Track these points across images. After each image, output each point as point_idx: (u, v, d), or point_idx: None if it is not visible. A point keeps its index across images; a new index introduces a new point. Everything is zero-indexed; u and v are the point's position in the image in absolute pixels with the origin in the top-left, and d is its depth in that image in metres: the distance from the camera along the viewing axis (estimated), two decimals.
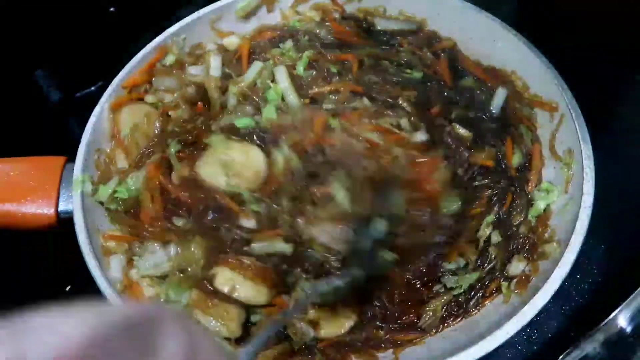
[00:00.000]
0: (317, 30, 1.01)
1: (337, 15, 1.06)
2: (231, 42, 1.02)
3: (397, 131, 0.86)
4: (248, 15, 1.06)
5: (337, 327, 0.77)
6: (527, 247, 0.80)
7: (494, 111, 0.93)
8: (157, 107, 0.96)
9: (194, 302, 0.76)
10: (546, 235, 0.80)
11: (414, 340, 0.77)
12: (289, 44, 0.99)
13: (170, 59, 0.98)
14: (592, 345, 0.66)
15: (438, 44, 1.02)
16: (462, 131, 0.90)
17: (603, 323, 0.67)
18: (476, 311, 0.79)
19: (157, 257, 0.81)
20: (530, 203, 0.85)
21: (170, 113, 0.95)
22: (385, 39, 1.03)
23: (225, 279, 0.77)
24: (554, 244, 0.77)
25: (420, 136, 0.87)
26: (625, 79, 0.99)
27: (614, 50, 1.00)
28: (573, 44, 0.97)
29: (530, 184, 0.87)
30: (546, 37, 0.91)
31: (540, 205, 0.83)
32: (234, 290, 0.76)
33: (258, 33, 1.04)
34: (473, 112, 0.92)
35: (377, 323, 0.78)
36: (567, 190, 0.81)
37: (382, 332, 0.78)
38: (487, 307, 0.79)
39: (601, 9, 1.01)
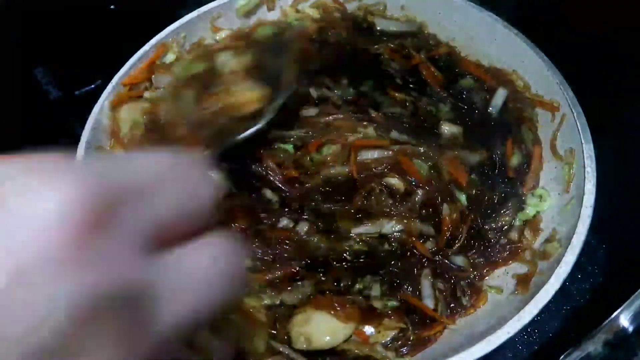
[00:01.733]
0: None
1: (337, 14, 1.06)
2: None
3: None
4: (248, 14, 1.06)
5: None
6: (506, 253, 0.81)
7: (493, 112, 0.93)
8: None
9: None
10: (548, 235, 0.80)
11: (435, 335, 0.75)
12: None
13: (170, 57, 0.98)
14: (593, 345, 0.65)
15: (435, 50, 1.01)
16: (453, 129, 0.89)
17: (604, 323, 0.66)
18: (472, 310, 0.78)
19: None
20: (521, 206, 0.85)
21: None
22: (384, 40, 1.02)
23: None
24: (555, 243, 0.76)
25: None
26: (627, 79, 0.99)
27: (615, 50, 1.00)
28: (574, 43, 0.96)
29: (525, 187, 0.87)
30: (547, 37, 0.91)
31: (530, 211, 0.83)
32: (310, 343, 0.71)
33: None
34: (466, 112, 0.92)
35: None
36: (568, 190, 0.81)
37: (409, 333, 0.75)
38: (487, 306, 0.78)
39: (602, 9, 1.00)
